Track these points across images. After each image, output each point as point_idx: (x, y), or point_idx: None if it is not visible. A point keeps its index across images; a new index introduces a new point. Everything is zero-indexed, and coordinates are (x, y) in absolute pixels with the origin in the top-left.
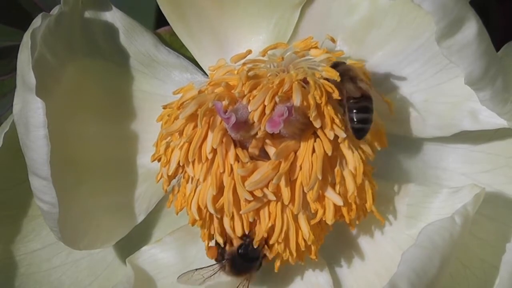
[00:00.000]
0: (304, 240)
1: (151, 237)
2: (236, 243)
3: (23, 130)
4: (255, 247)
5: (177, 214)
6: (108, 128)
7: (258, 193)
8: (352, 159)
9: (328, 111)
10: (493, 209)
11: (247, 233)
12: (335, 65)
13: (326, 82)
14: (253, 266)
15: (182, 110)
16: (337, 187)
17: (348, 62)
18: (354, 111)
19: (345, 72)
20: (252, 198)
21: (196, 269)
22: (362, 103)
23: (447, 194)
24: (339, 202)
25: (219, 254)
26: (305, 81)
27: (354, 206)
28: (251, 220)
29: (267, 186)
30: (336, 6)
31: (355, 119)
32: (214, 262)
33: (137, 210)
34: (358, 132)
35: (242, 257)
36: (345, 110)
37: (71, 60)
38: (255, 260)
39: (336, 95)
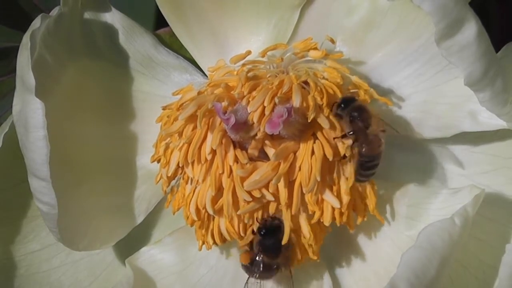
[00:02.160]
0: (305, 240)
1: (151, 237)
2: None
3: (22, 131)
4: (270, 218)
5: (174, 213)
6: (108, 128)
7: (256, 194)
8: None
9: (329, 113)
10: (492, 210)
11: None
12: (346, 102)
13: (327, 82)
14: (282, 239)
15: (182, 111)
16: (336, 189)
17: (358, 96)
18: (364, 170)
19: (358, 114)
20: (250, 199)
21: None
22: (374, 161)
23: (447, 195)
24: (337, 204)
25: (252, 254)
26: (305, 82)
27: (352, 208)
28: (246, 221)
29: (266, 187)
30: (336, 7)
31: (363, 175)
32: (214, 262)
33: (137, 211)
34: (361, 181)
35: (267, 235)
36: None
37: (70, 61)
38: (279, 231)
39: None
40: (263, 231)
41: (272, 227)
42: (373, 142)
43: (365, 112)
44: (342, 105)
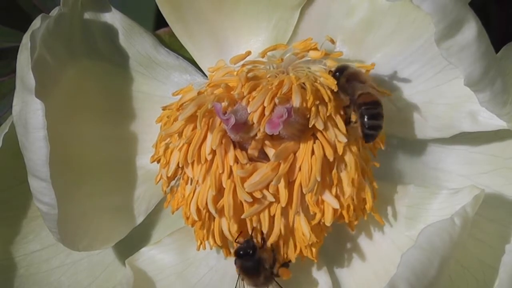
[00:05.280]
0: (305, 241)
1: (151, 238)
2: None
3: (22, 131)
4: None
5: (173, 213)
6: (108, 129)
7: (257, 195)
8: (349, 161)
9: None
10: (492, 210)
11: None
12: (341, 69)
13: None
14: (259, 261)
15: (182, 112)
16: (335, 189)
17: (354, 65)
18: (367, 117)
19: (353, 77)
20: (251, 199)
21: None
22: (375, 109)
23: (447, 195)
24: (336, 205)
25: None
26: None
27: (352, 208)
28: (255, 224)
29: (266, 187)
30: (336, 7)
31: (367, 126)
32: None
33: (137, 211)
34: (369, 137)
35: (242, 257)
36: (349, 115)
37: (70, 61)
38: (254, 254)
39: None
40: (240, 252)
41: (246, 251)
42: (368, 93)
43: (359, 75)
44: (337, 73)
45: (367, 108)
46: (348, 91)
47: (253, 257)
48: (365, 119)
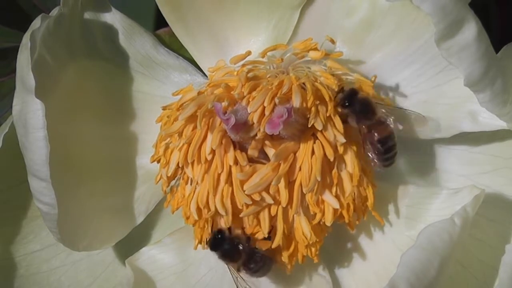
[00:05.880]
0: (305, 240)
1: (151, 238)
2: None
3: (22, 131)
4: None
5: (173, 213)
6: (108, 129)
7: (256, 197)
8: (350, 160)
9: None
10: (492, 210)
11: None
12: (349, 95)
13: (322, 83)
14: (232, 240)
15: (182, 111)
16: (335, 189)
17: (356, 85)
18: (383, 153)
19: (361, 104)
20: (250, 202)
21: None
22: (390, 142)
23: (447, 195)
24: (336, 205)
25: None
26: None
27: (352, 207)
28: (250, 223)
29: (266, 189)
30: (336, 7)
31: (386, 159)
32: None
33: (137, 211)
34: (388, 165)
35: (216, 245)
36: (365, 141)
37: (70, 61)
38: (223, 236)
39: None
40: (212, 243)
41: (215, 237)
42: (380, 126)
43: (368, 104)
44: (347, 103)
45: (382, 145)
46: (357, 117)
47: (224, 239)
48: (383, 156)
